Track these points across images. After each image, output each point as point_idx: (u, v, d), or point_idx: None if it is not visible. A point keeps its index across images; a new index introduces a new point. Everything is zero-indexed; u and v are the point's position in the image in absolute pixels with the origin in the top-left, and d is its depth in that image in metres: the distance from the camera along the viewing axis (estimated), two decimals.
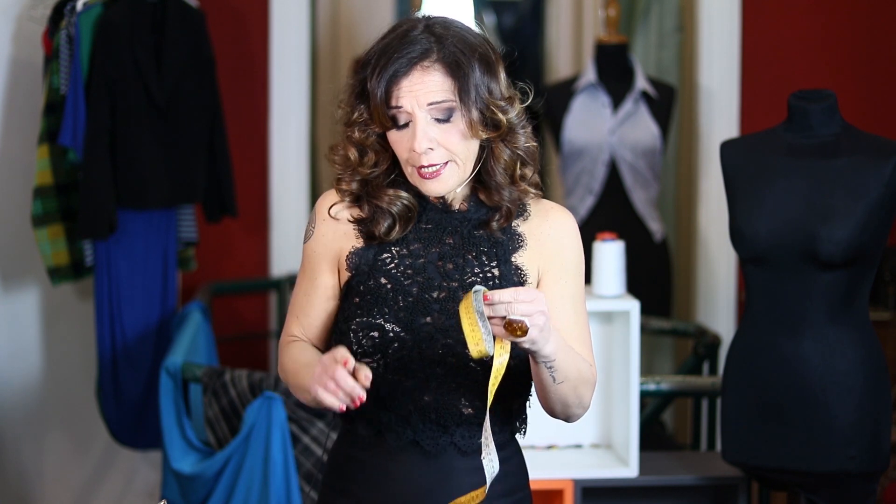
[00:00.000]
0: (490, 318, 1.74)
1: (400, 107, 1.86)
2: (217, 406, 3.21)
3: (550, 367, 1.82)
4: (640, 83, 4.30)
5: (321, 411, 3.03)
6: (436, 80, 1.86)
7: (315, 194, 4.70)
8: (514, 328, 1.72)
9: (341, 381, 1.76)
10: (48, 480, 4.03)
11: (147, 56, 3.63)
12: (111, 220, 3.60)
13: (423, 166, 1.87)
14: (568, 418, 1.95)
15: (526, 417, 1.99)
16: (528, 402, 1.98)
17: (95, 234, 3.59)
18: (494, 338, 1.76)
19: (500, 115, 1.89)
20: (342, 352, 1.79)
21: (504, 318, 1.72)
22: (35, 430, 4.00)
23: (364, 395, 1.77)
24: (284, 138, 4.33)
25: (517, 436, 1.99)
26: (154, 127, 3.67)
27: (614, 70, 4.35)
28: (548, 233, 1.96)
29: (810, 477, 2.87)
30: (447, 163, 1.88)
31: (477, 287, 1.75)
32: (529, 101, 1.95)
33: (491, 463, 1.80)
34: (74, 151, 3.59)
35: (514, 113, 1.91)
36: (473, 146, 1.90)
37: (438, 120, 1.86)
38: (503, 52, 1.96)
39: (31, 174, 3.71)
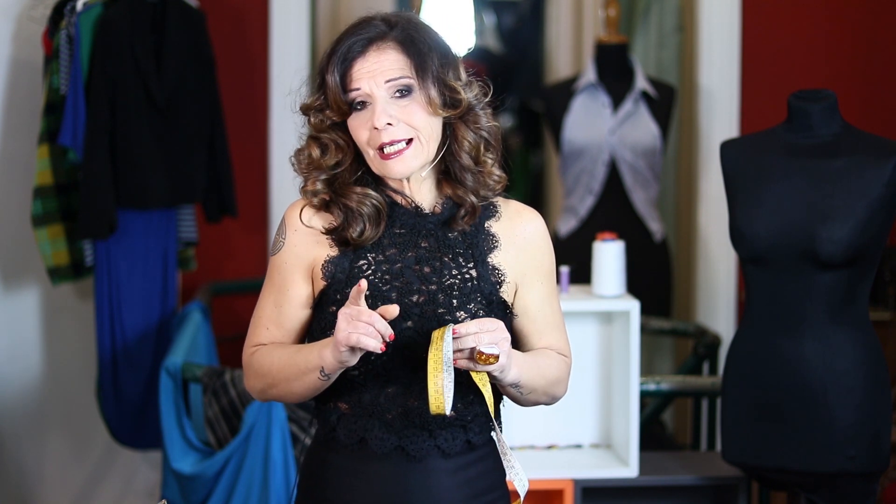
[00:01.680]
0: (457, 351, 1.79)
1: (358, 88, 1.88)
2: (217, 406, 3.21)
3: (517, 387, 1.90)
4: (640, 83, 4.30)
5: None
6: (392, 59, 1.88)
7: None
8: (485, 357, 1.79)
9: (377, 324, 1.76)
10: (48, 480, 4.03)
11: (147, 56, 3.63)
12: (111, 220, 3.60)
13: (385, 144, 1.87)
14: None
15: (500, 418, 2.00)
16: (502, 403, 2.01)
17: (95, 234, 3.59)
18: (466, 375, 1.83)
19: (462, 94, 1.90)
20: (355, 291, 1.78)
21: (473, 349, 1.78)
22: (35, 430, 4.00)
23: (392, 334, 1.77)
24: (284, 138, 4.33)
25: (493, 434, 2.00)
26: (154, 127, 3.67)
27: (614, 70, 4.35)
28: (522, 235, 1.98)
29: (810, 477, 2.87)
30: (410, 141, 1.88)
31: (449, 327, 1.79)
32: (488, 98, 1.96)
33: (518, 477, 1.84)
34: (74, 151, 3.58)
35: (473, 94, 1.93)
36: (436, 125, 1.91)
37: (398, 97, 1.88)
38: (474, 48, 1.97)
39: (31, 174, 3.71)
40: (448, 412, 1.78)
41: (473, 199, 1.94)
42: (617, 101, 4.31)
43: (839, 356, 2.81)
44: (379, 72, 1.87)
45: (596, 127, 4.30)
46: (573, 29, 5.45)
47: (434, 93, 1.88)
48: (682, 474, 3.22)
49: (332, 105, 1.90)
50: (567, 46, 5.47)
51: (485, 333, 1.78)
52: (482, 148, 1.94)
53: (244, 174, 4.25)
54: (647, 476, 3.19)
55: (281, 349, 1.94)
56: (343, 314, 1.78)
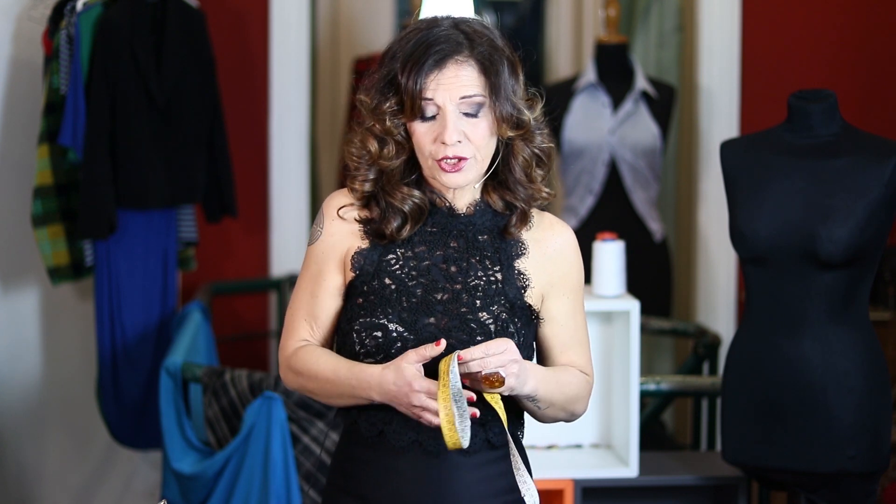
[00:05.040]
0: (465, 375, 1.82)
1: (431, 99, 1.89)
2: (217, 406, 3.21)
3: (534, 401, 1.92)
4: (641, 83, 4.30)
5: (322, 410, 3.03)
6: (469, 75, 1.90)
7: (315, 194, 4.70)
8: (491, 381, 1.80)
9: (428, 406, 1.82)
10: (48, 480, 4.03)
11: (147, 56, 3.63)
12: (111, 219, 3.60)
13: (448, 157, 1.89)
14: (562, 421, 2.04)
15: (524, 420, 2.02)
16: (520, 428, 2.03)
17: (95, 233, 3.59)
18: (478, 393, 1.84)
19: (526, 115, 1.94)
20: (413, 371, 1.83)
21: (479, 373, 1.80)
22: (35, 430, 4.00)
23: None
24: (284, 138, 4.33)
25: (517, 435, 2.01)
26: (154, 127, 3.67)
27: (614, 70, 4.35)
28: (553, 247, 2.00)
29: (810, 477, 2.87)
30: (470, 157, 1.91)
31: (454, 355, 1.80)
32: (542, 104, 1.99)
33: (530, 493, 1.86)
34: (74, 151, 3.58)
35: (535, 114, 1.96)
36: (493, 143, 1.94)
37: (466, 115, 1.90)
38: (521, 55, 1.99)
39: (31, 174, 3.70)
40: (465, 445, 1.79)
41: (524, 205, 1.97)
42: (617, 101, 4.31)
43: (839, 356, 2.81)
44: (455, 87, 1.89)
45: (596, 127, 4.30)
46: (573, 29, 5.45)
47: (504, 114, 1.91)
48: (682, 474, 3.21)
49: (406, 110, 1.91)
50: (567, 46, 5.47)
51: (491, 357, 1.80)
52: (535, 164, 1.97)
53: (244, 174, 4.25)
54: (647, 476, 3.19)
55: (327, 360, 1.95)
56: (407, 392, 1.83)
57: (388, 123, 1.93)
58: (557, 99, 4.37)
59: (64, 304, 4.02)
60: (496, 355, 1.81)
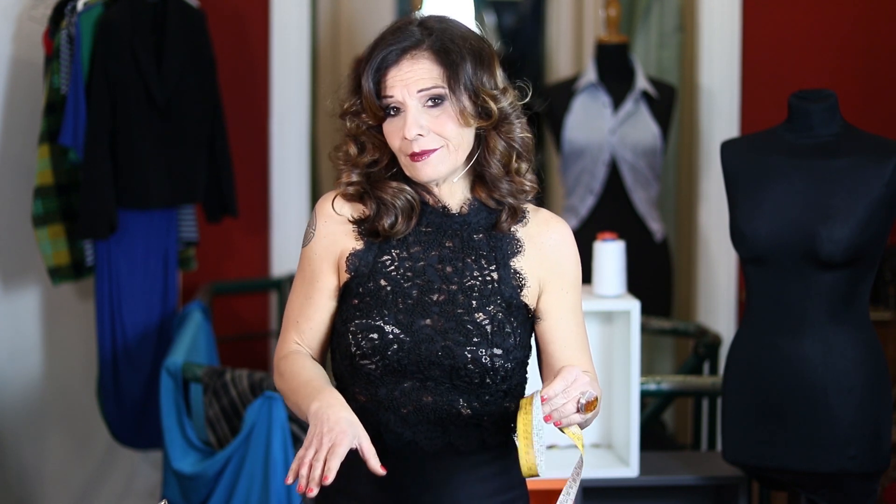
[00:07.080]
0: (554, 411, 1.76)
1: (391, 96, 1.89)
2: (218, 406, 3.22)
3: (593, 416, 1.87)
4: (641, 83, 4.30)
5: None
6: (425, 68, 1.88)
7: (315, 194, 4.70)
8: (591, 404, 1.77)
9: (315, 466, 1.74)
10: (48, 480, 4.03)
11: (147, 56, 3.63)
12: (111, 219, 3.60)
13: (415, 153, 1.89)
14: None
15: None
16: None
17: (96, 233, 3.59)
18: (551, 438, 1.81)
19: (492, 104, 1.90)
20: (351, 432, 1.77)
21: (578, 401, 1.76)
22: (35, 430, 3.99)
23: (328, 479, 1.74)
24: (285, 138, 4.33)
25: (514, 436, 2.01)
26: (154, 127, 3.67)
27: (615, 70, 4.35)
28: (548, 243, 1.98)
29: (811, 477, 2.87)
30: (438, 148, 1.89)
31: (536, 394, 1.76)
32: (527, 99, 1.97)
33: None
34: (75, 151, 3.59)
35: (507, 102, 1.93)
36: (468, 134, 1.92)
37: (430, 106, 1.89)
38: (501, 52, 1.98)
39: (32, 174, 3.71)
40: (542, 475, 1.76)
41: (511, 200, 1.95)
42: (617, 101, 4.31)
43: (839, 356, 2.81)
44: (412, 80, 1.88)
45: (596, 127, 4.30)
46: (573, 29, 5.45)
47: (466, 103, 1.89)
48: (683, 474, 3.22)
49: (367, 110, 1.91)
50: (567, 46, 5.46)
51: (572, 386, 1.76)
52: (513, 157, 1.95)
53: (244, 174, 4.25)
54: (648, 476, 3.19)
55: (295, 373, 1.93)
56: (328, 421, 1.77)
57: (349, 125, 1.94)
58: (558, 99, 4.38)
59: (64, 304, 4.02)
60: (574, 381, 1.76)
